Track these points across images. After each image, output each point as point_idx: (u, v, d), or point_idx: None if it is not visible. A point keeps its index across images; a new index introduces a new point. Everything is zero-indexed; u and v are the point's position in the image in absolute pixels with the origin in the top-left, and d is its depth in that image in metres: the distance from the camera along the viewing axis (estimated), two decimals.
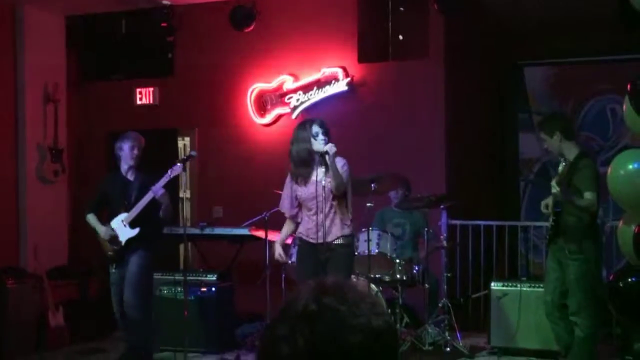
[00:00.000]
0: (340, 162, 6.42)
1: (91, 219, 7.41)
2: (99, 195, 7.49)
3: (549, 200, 6.69)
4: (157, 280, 8.48)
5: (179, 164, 7.12)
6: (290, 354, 1.44)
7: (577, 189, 6.46)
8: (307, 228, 6.54)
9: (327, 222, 6.39)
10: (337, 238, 6.43)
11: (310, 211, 6.51)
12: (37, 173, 10.05)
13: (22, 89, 10.00)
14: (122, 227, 7.23)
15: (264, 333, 1.52)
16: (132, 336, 7.27)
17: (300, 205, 6.62)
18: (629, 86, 6.14)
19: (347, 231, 6.47)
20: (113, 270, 7.32)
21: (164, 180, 7.09)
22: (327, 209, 6.38)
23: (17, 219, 9.92)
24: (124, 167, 7.36)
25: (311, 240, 6.50)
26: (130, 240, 7.21)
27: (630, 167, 6.37)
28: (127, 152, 7.29)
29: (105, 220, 7.35)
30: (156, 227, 7.39)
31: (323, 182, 6.35)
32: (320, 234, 6.39)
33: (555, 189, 6.39)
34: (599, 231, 6.94)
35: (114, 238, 7.23)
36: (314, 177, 6.45)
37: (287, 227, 6.81)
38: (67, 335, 8.78)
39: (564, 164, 6.53)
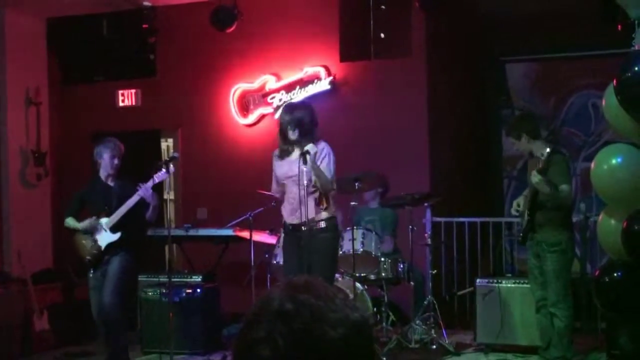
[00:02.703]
0: (322, 152, 6.37)
1: (70, 221, 7.36)
2: (77, 201, 7.47)
3: (521, 200, 6.88)
4: (141, 283, 8.47)
5: (163, 171, 7.10)
6: (271, 355, 1.42)
7: (552, 183, 6.58)
8: (286, 210, 6.54)
9: (302, 204, 6.32)
10: (316, 222, 6.39)
11: (287, 190, 6.50)
12: (20, 177, 10.00)
13: (3, 92, 9.93)
14: (102, 232, 7.21)
15: (239, 337, 1.49)
16: (113, 341, 7.20)
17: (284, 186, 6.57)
18: (614, 81, 6.11)
19: (324, 215, 6.43)
20: (91, 275, 7.25)
21: (150, 183, 7.09)
22: (300, 191, 6.31)
23: (0, 223, 9.85)
24: (103, 173, 7.33)
25: (290, 222, 6.50)
26: (110, 245, 7.18)
27: (614, 161, 6.38)
28: (107, 162, 7.26)
29: None
30: (139, 230, 7.37)
31: (301, 165, 6.29)
32: (297, 215, 6.37)
33: (537, 177, 6.45)
34: (572, 224, 7.06)
35: (95, 232, 7.17)
36: (292, 156, 6.43)
37: None
38: (52, 339, 8.73)
39: (544, 156, 6.53)
